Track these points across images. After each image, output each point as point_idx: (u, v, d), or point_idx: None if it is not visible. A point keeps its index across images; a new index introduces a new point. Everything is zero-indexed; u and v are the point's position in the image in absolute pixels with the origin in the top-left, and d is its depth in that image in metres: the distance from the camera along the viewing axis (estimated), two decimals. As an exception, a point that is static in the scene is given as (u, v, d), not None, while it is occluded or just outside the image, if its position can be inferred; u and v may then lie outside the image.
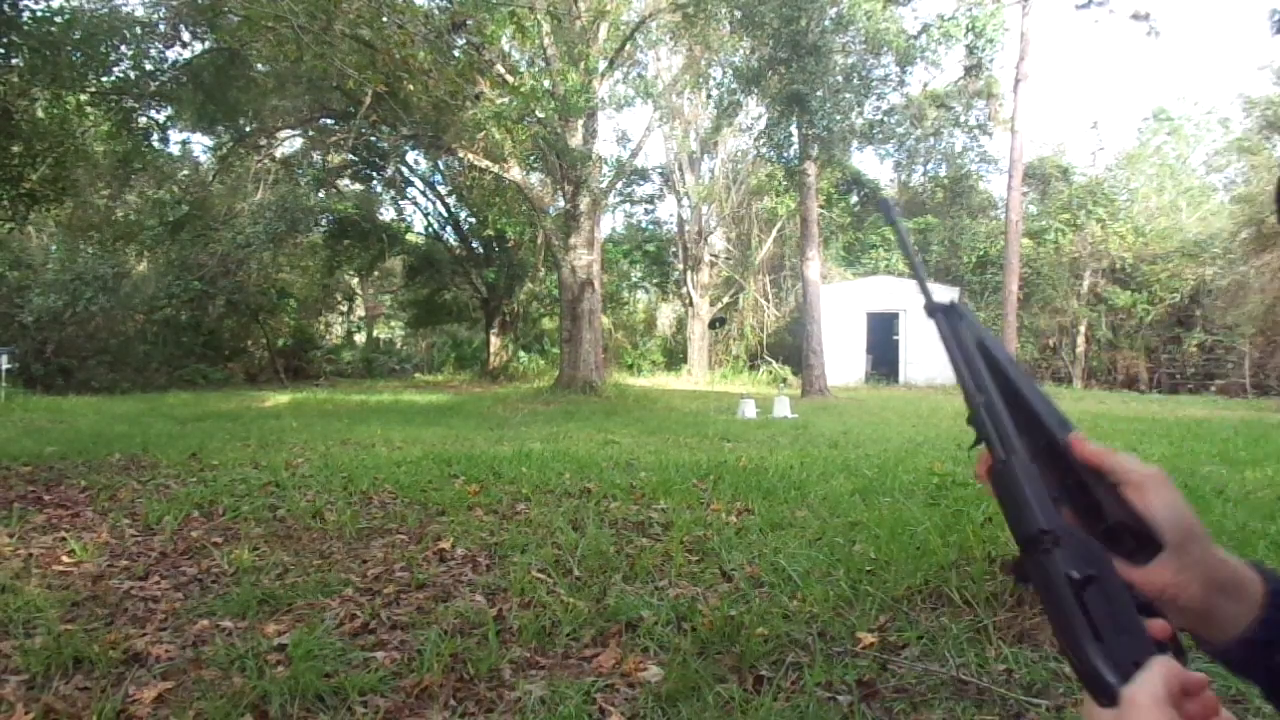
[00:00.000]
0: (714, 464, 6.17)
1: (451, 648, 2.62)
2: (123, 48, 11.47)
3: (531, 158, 17.94)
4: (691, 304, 26.47)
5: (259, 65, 13.12)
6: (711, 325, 24.76)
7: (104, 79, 11.73)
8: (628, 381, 21.20)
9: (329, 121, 18.96)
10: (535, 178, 19.22)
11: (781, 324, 26.82)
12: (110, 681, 2.41)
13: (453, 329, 29.54)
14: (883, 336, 22.34)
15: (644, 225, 29.64)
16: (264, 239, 18.49)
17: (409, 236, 25.93)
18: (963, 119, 24.23)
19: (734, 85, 17.49)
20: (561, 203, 16.88)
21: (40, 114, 11.32)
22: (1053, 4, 42.69)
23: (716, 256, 27.49)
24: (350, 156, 21.80)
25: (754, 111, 21.54)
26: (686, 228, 26.98)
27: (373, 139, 19.13)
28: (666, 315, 30.27)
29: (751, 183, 25.95)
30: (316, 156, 22.04)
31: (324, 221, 22.60)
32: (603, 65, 16.10)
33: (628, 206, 29.22)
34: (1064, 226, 24.62)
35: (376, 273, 27.76)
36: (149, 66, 11.98)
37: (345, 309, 30.07)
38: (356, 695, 2.33)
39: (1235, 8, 59.87)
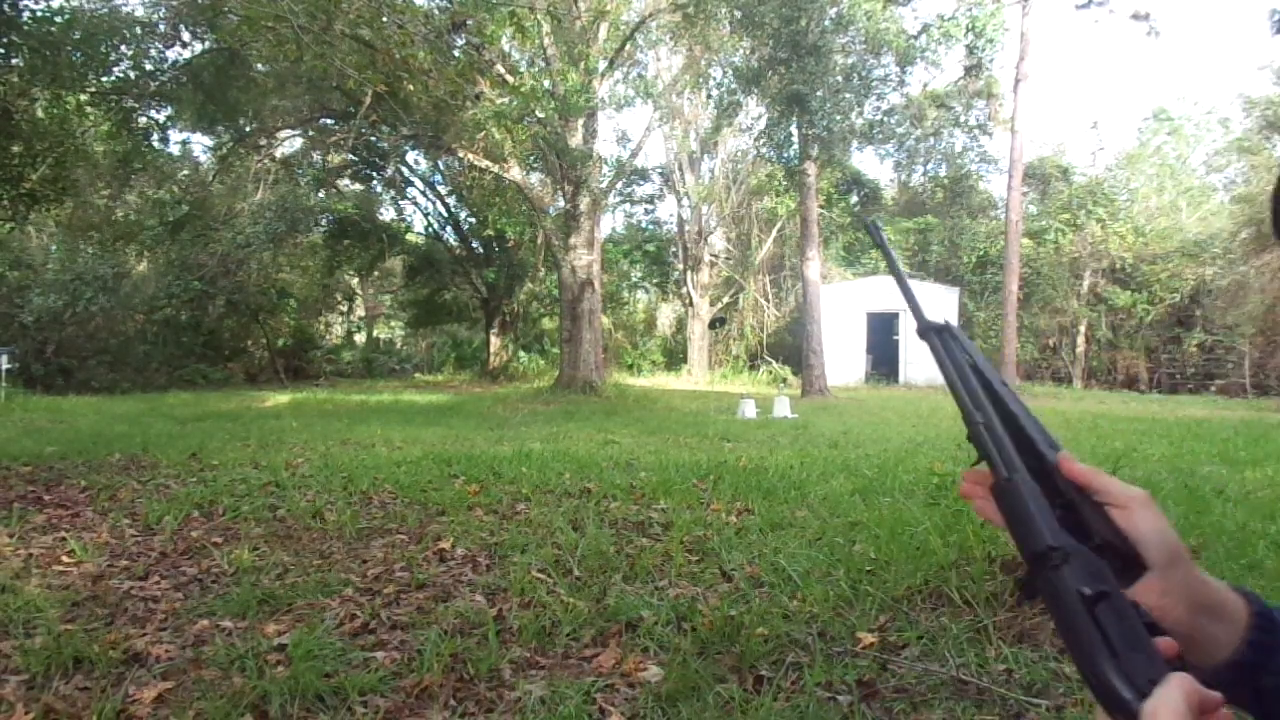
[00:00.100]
0: (714, 464, 6.17)
1: (451, 648, 2.62)
2: (123, 48, 11.46)
3: (531, 158, 17.93)
4: (691, 304, 26.47)
5: (259, 65, 13.11)
6: (711, 325, 24.76)
7: (104, 79, 11.72)
8: (628, 381, 21.20)
9: (329, 121, 18.96)
10: (535, 178, 19.22)
11: (781, 324, 26.82)
12: (110, 681, 2.41)
13: (453, 329, 29.54)
14: (883, 336, 22.34)
15: (644, 225, 29.65)
16: (264, 239, 18.49)
17: (409, 236, 25.92)
18: (963, 119, 24.24)
19: (734, 85, 17.49)
20: (561, 203, 16.87)
21: (40, 114, 11.32)
22: (1053, 4, 42.73)
23: (716, 256, 27.49)
24: (350, 156, 21.80)
25: (754, 111, 21.55)
26: (686, 228, 26.98)
27: (373, 139, 19.12)
28: (666, 315, 30.27)
29: (751, 183, 25.95)
30: (316, 156, 22.03)
31: (324, 221, 22.60)
32: (603, 65, 16.10)
33: (628, 206, 29.24)
34: (1064, 226, 24.62)
35: (376, 273, 27.75)
36: (149, 66, 11.97)
37: (345, 309, 30.06)
38: (356, 695, 2.33)
39: (1235, 8, 59.89)
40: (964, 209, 26.93)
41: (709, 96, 21.48)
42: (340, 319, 30.64)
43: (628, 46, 17.12)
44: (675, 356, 27.83)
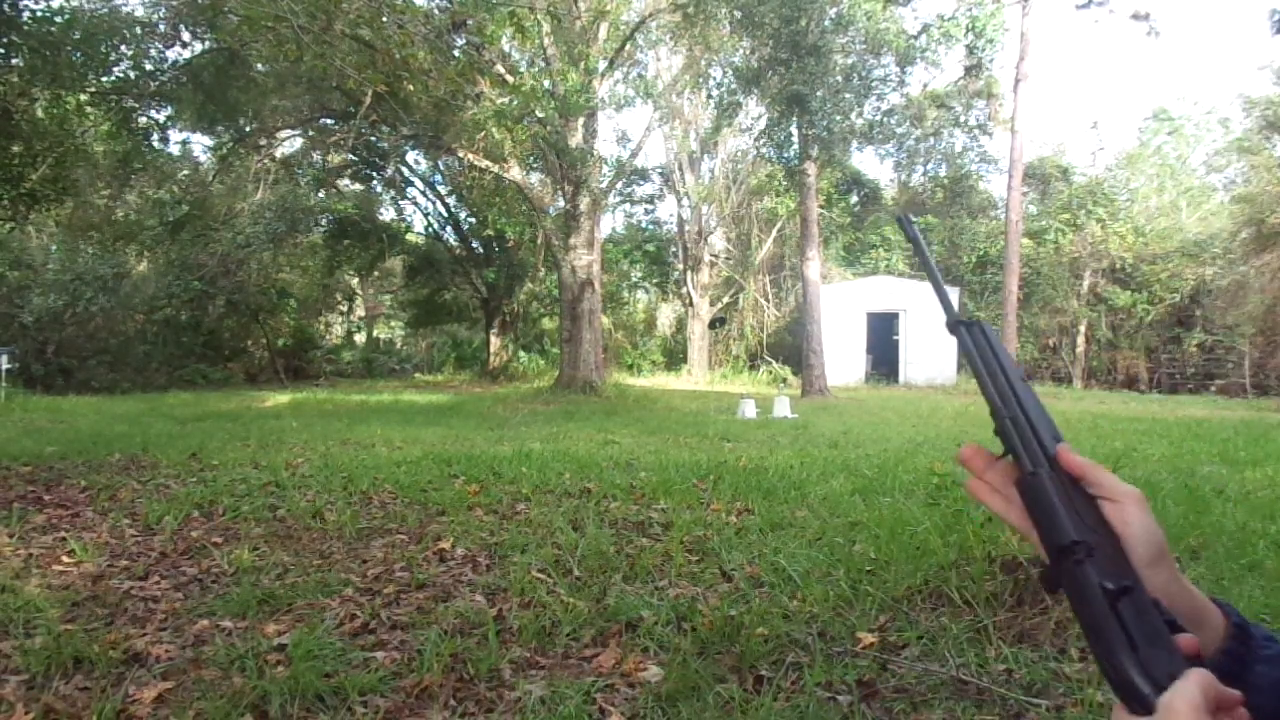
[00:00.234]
0: (714, 464, 6.17)
1: (451, 648, 2.62)
2: (123, 48, 11.45)
3: (531, 158, 17.93)
4: (691, 304, 26.47)
5: (259, 65, 13.09)
6: (711, 325, 24.75)
7: (104, 79, 11.72)
8: (628, 381, 21.20)
9: (329, 121, 18.95)
10: (535, 178, 19.21)
11: (781, 324, 26.82)
12: (110, 681, 2.41)
13: (453, 329, 29.53)
14: (883, 336, 22.33)
15: (644, 225, 29.64)
16: (264, 239, 18.49)
17: (409, 236, 25.92)
18: (963, 119, 24.24)
19: (734, 85, 17.49)
20: (561, 203, 16.87)
21: (40, 114, 11.31)
22: (1053, 4, 42.74)
23: (716, 256, 27.49)
24: (350, 156, 21.79)
25: (754, 111, 21.54)
26: (686, 228, 26.97)
27: (373, 139, 19.12)
28: (666, 315, 30.27)
29: (751, 183, 25.95)
30: (316, 156, 22.03)
31: (324, 221, 22.59)
32: (603, 65, 16.10)
33: (628, 206, 29.24)
34: (1064, 226, 24.62)
35: (376, 273, 27.75)
36: (149, 66, 11.96)
37: (345, 309, 30.07)
38: (356, 695, 2.33)
39: (1235, 8, 59.90)
40: (964, 209, 26.93)
41: (709, 96, 21.47)
42: (340, 319, 30.64)
43: (628, 46, 17.12)
44: (675, 356, 27.82)
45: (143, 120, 13.39)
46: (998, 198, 27.15)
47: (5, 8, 8.44)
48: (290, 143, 21.09)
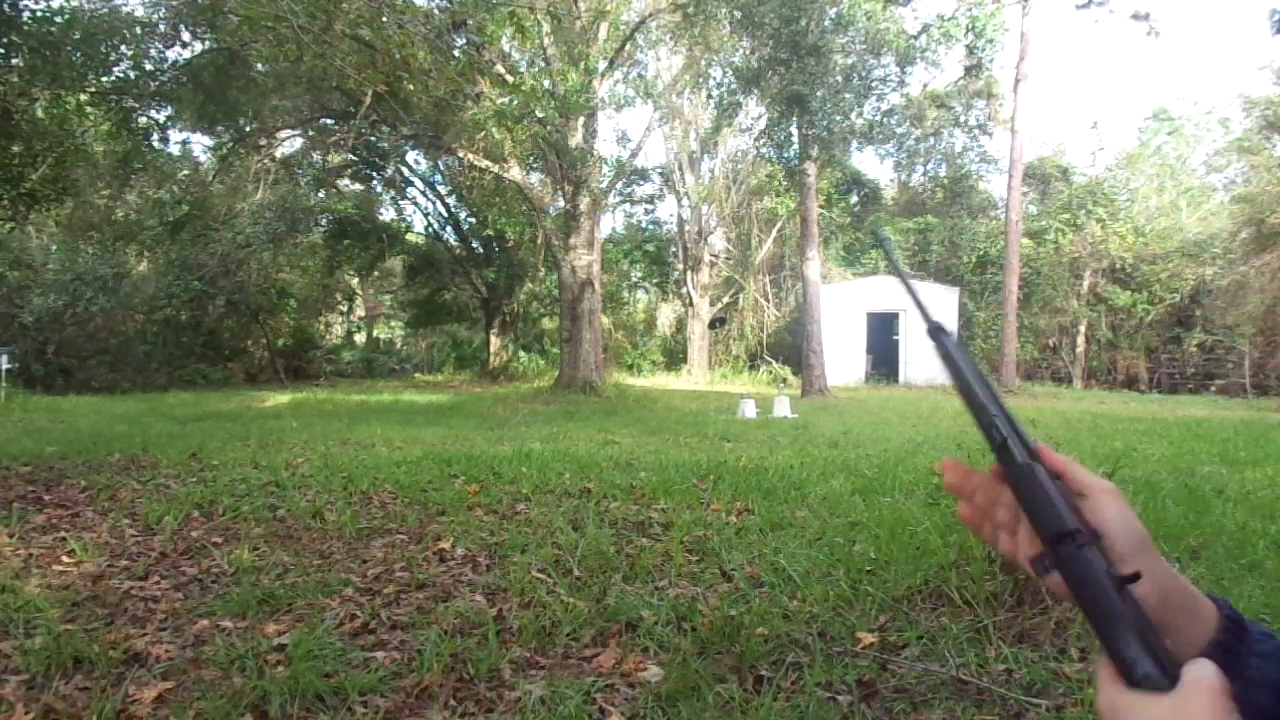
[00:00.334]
0: (714, 464, 6.17)
1: (451, 648, 2.62)
2: (123, 48, 11.44)
3: (531, 158, 17.92)
4: (691, 304, 26.47)
5: (259, 65, 13.09)
6: (711, 325, 24.76)
7: (104, 79, 11.71)
8: (628, 381, 21.20)
9: (329, 121, 18.95)
10: (535, 178, 19.21)
11: (781, 324, 26.81)
12: (110, 681, 2.41)
13: (453, 329, 29.54)
14: (883, 336, 22.33)
15: (644, 225, 29.65)
16: (264, 239, 18.49)
17: (409, 236, 25.92)
18: (963, 119, 24.24)
19: (734, 85, 17.49)
20: (561, 203, 16.87)
21: (40, 114, 11.31)
22: (1053, 4, 42.71)
23: (716, 256, 27.49)
24: (350, 156, 21.80)
25: (754, 111, 21.54)
26: (686, 228, 26.97)
27: (373, 139, 19.12)
28: (666, 315, 30.27)
29: (751, 183, 25.94)
30: (316, 156, 22.02)
31: (324, 221, 22.59)
32: (603, 65, 16.10)
33: (628, 206, 29.24)
34: (1064, 226, 24.62)
35: (376, 273, 27.75)
36: (149, 66, 11.95)
37: (345, 309, 30.07)
38: (356, 695, 2.33)
39: (1235, 8, 59.89)
40: (964, 209, 26.92)
41: (709, 96, 21.46)
42: (340, 319, 30.65)
43: (628, 46, 17.12)
44: (675, 356, 27.82)
45: (143, 120, 13.38)
46: (998, 198, 27.15)
47: (5, 8, 8.44)
48: (290, 143, 21.11)
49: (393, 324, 33.24)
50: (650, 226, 29.56)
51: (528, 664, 2.60)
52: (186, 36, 12.06)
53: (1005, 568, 3.07)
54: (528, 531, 4.07)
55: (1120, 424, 11.00)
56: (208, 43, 12.08)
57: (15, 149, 10.01)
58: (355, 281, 29.21)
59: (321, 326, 28.21)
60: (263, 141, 18.79)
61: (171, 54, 12.27)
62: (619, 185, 23.55)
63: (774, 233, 26.13)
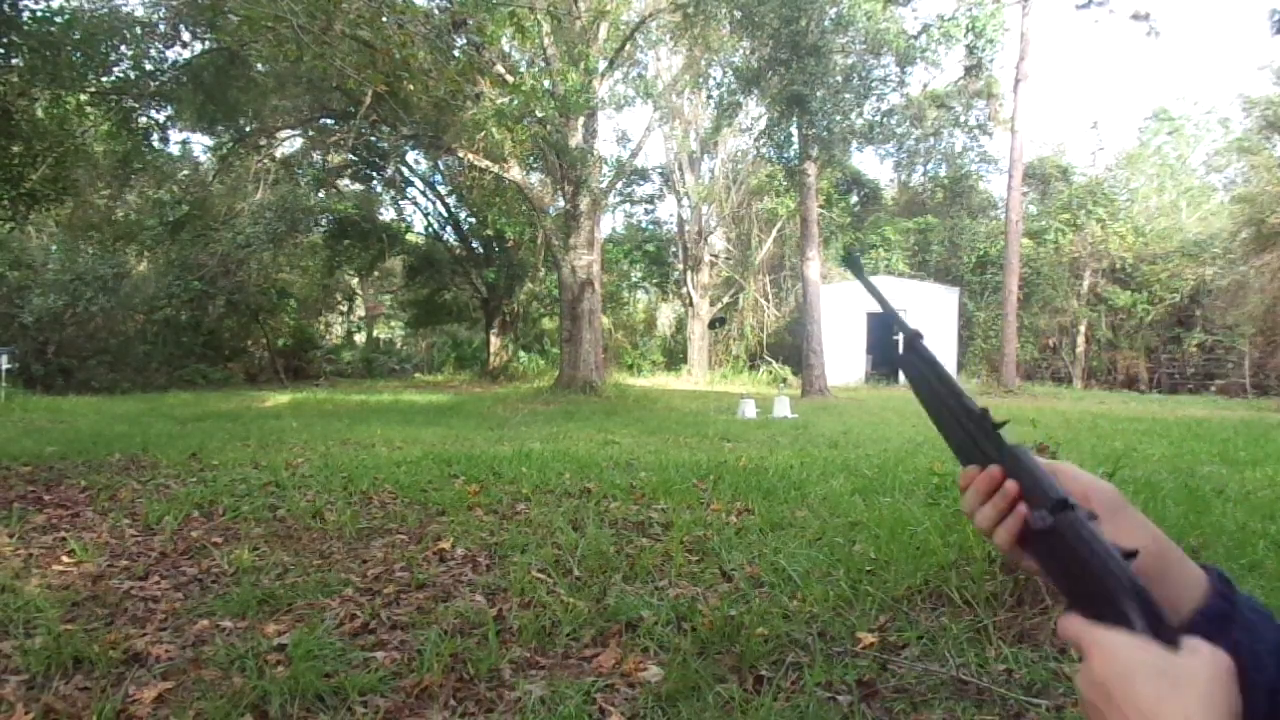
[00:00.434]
0: (714, 464, 6.17)
1: (451, 648, 2.62)
2: (123, 48, 11.44)
3: (531, 158, 17.92)
4: (691, 304, 26.47)
5: (259, 65, 13.10)
6: (711, 325, 24.75)
7: (104, 79, 11.70)
8: (628, 381, 21.20)
9: (329, 121, 18.95)
10: (535, 178, 19.21)
11: (781, 324, 26.82)
12: (110, 681, 2.41)
13: (453, 329, 29.54)
14: (883, 336, 22.33)
15: (644, 225, 29.65)
16: (264, 239, 18.48)
17: (409, 236, 25.92)
18: (963, 119, 24.24)
19: (734, 85, 17.49)
20: (561, 203, 16.87)
21: (40, 114, 11.30)
22: (1053, 4, 42.72)
23: (716, 256, 27.49)
24: (350, 156, 21.79)
25: (754, 112, 21.54)
26: (686, 228, 26.97)
27: (373, 139, 19.12)
28: (666, 315, 30.27)
29: (751, 183, 25.94)
30: (316, 156, 22.02)
31: (324, 221, 22.58)
32: (603, 65, 16.10)
33: (628, 206, 29.24)
34: (1064, 226, 24.62)
35: (376, 273, 27.75)
36: (149, 66, 11.95)
37: (345, 309, 30.06)
38: (356, 695, 2.33)
39: (1235, 8, 59.89)
40: (964, 209, 26.92)
41: (709, 96, 21.47)
42: (340, 319, 30.64)
43: (628, 46, 17.12)
44: (675, 356, 27.83)
45: (143, 120, 13.38)
46: (998, 198, 27.16)
47: (5, 8, 8.43)
48: (290, 143, 21.10)
49: (393, 324, 33.25)
50: (650, 226, 29.58)
51: (528, 664, 2.60)
52: (186, 36, 12.06)
53: (1005, 568, 3.07)
54: (528, 531, 4.07)
55: (1120, 424, 11.00)
56: (208, 43, 12.08)
57: (15, 149, 10.00)
58: (355, 281, 29.21)
59: (321, 326, 28.21)
60: (263, 141, 18.79)
61: (171, 54, 12.28)
62: (619, 185, 23.56)
63: (774, 233, 26.12)
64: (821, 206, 21.73)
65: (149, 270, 19.79)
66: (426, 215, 25.44)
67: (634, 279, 30.14)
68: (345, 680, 2.39)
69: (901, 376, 21.51)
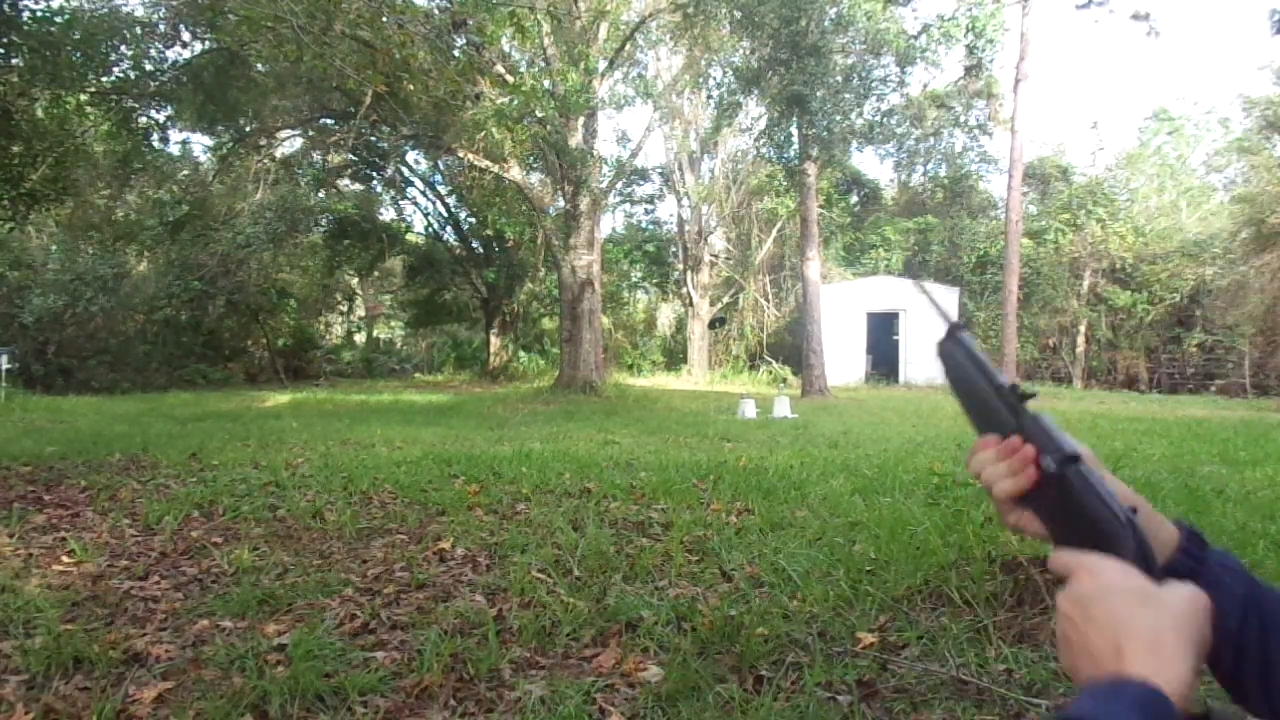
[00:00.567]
0: (714, 464, 6.17)
1: (451, 648, 2.62)
2: (123, 48, 11.43)
3: (531, 158, 17.92)
4: (691, 304, 26.47)
5: (259, 65, 13.09)
6: (711, 325, 24.74)
7: (104, 79, 11.70)
8: (628, 381, 21.20)
9: (329, 121, 18.95)
10: (535, 178, 19.21)
11: (781, 324, 26.81)
12: (110, 681, 2.41)
13: (453, 329, 29.54)
14: (883, 336, 22.33)
15: (644, 225, 29.65)
16: (264, 239, 18.48)
17: (409, 236, 25.92)
18: (963, 119, 24.22)
19: (734, 85, 17.48)
20: (561, 203, 16.87)
21: (40, 114, 11.30)
22: (1053, 4, 42.71)
23: (716, 256, 27.49)
24: (350, 156, 21.79)
25: (754, 112, 21.53)
26: (686, 228, 26.97)
27: (373, 139, 19.12)
28: (666, 315, 30.27)
29: (751, 183, 25.94)
30: (316, 156, 22.02)
31: (324, 221, 22.59)
32: (603, 65, 16.10)
33: (628, 206, 29.24)
34: (1064, 226, 24.62)
35: (376, 273, 27.75)
36: (149, 66, 11.94)
37: (345, 309, 30.06)
38: (356, 695, 2.33)
39: (1235, 8, 59.89)
40: (964, 209, 26.92)
41: (709, 96, 21.47)
42: (340, 319, 30.65)
43: (628, 46, 17.12)
44: (675, 356, 27.82)
45: (143, 120, 13.37)
46: (998, 198, 27.16)
47: (5, 8, 8.43)
48: (290, 143, 21.10)
49: (393, 324, 33.25)
50: (650, 226, 29.57)
51: (528, 664, 2.60)
52: (186, 36, 12.06)
53: (1005, 568, 3.07)
54: (528, 531, 4.07)
55: (1120, 424, 10.99)
56: (208, 43, 12.08)
57: (15, 149, 10.00)
58: (355, 281, 29.21)
59: (321, 326, 28.21)
60: (263, 141, 18.78)
61: (171, 54, 12.27)
62: (619, 185, 23.56)
63: (774, 233, 26.12)
64: (821, 206, 21.73)
65: (149, 270, 19.79)
66: (426, 215, 25.47)
67: (634, 279, 30.14)
68: (345, 680, 2.39)
69: (902, 376, 21.55)
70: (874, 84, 16.97)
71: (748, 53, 16.96)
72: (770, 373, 22.97)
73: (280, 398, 15.28)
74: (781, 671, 2.50)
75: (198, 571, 3.49)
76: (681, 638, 2.72)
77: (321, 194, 22.05)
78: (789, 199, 23.08)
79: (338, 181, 23.48)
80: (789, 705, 2.29)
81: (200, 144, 21.08)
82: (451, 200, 24.43)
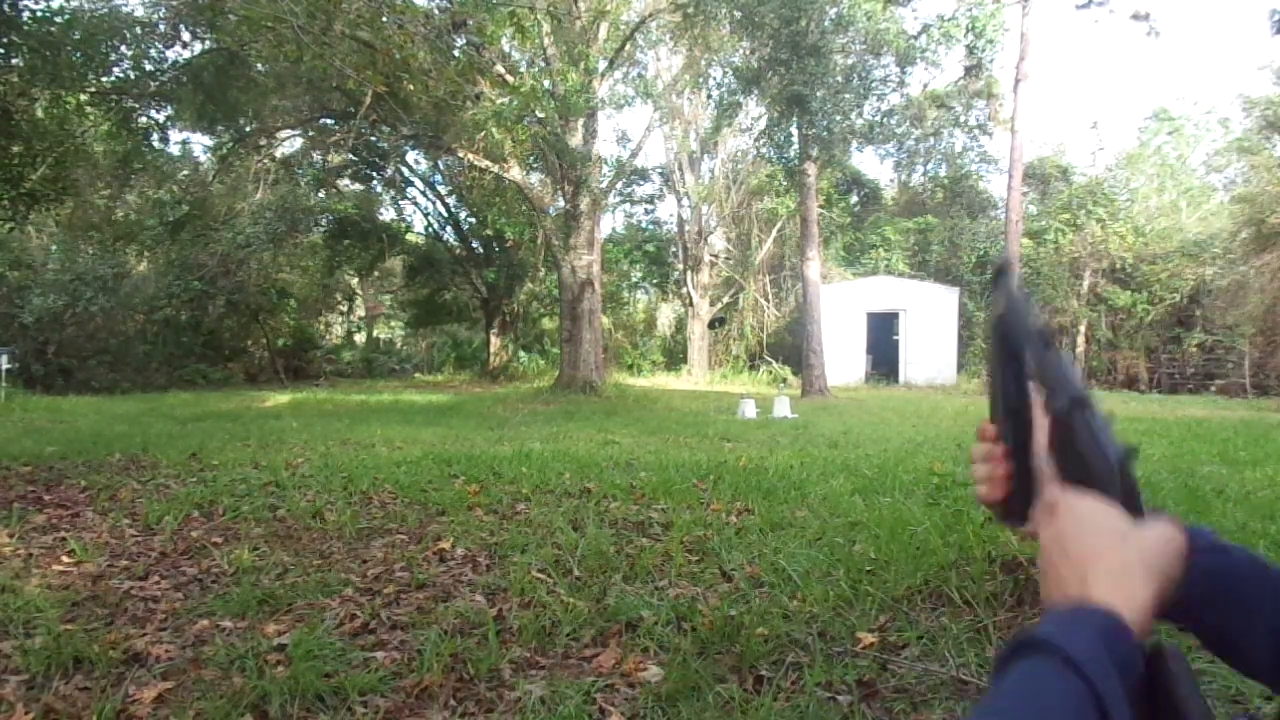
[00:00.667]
0: (714, 464, 6.17)
1: (451, 648, 2.62)
2: (123, 48, 11.43)
3: (531, 158, 17.92)
4: (691, 304, 26.47)
5: (259, 65, 13.09)
6: (711, 325, 24.74)
7: (104, 79, 11.70)
8: (628, 381, 21.20)
9: (329, 121, 18.95)
10: (535, 178, 19.21)
11: (781, 324, 26.81)
12: (110, 681, 2.41)
13: (453, 329, 29.54)
14: (883, 336, 22.34)
15: (644, 225, 29.64)
16: (264, 239, 18.49)
17: (409, 236, 25.92)
18: (963, 119, 24.19)
19: (734, 85, 17.48)
20: (561, 203, 16.87)
21: (40, 114, 11.29)
22: (1053, 4, 42.65)
23: (716, 256, 27.49)
24: (350, 156, 21.79)
25: (754, 112, 21.53)
26: (686, 228, 26.97)
27: (373, 139, 19.12)
28: (666, 315, 30.26)
29: (751, 183, 25.94)
30: (316, 156, 22.02)
31: (324, 221, 22.59)
32: (603, 65, 16.10)
33: (628, 206, 29.23)
34: (1064, 226, 24.62)
35: (376, 273, 27.75)
36: (149, 66, 11.94)
37: (345, 309, 30.06)
38: (356, 695, 2.33)
39: (1235, 8, 59.89)
40: (964, 209, 26.91)
41: (709, 96, 21.47)
42: (340, 319, 30.64)
43: (628, 46, 17.11)
44: (675, 356, 27.82)
45: (143, 120, 13.37)
46: (998, 198, 27.14)
47: (5, 8, 8.43)
48: (290, 143, 21.10)
49: (393, 324, 33.25)
50: (650, 226, 29.57)
51: (528, 664, 2.60)
52: (186, 36, 12.05)
53: (1005, 568, 3.07)
54: (528, 531, 4.07)
55: (1120, 424, 10.85)
56: (208, 43, 12.07)
57: (15, 149, 10.00)
58: (355, 281, 29.21)
59: (321, 326, 28.21)
60: (263, 141, 18.78)
61: (171, 54, 12.27)
62: (619, 185, 23.56)
63: (774, 233, 26.12)
64: (821, 206, 21.73)
65: (149, 270, 19.79)
66: (426, 215, 25.47)
67: (634, 279, 30.13)
68: (345, 680, 2.39)
69: (902, 376, 21.53)
70: (874, 84, 16.96)
71: (748, 53, 16.96)
72: (770, 373, 22.97)
73: (280, 398, 15.28)
74: (781, 671, 2.50)
75: (198, 571, 3.49)
76: (681, 638, 2.72)
77: (321, 194, 22.06)
78: (789, 199, 23.08)
79: (338, 181, 23.48)
80: (789, 705, 2.29)
81: (200, 144, 21.10)
82: (451, 200, 24.43)
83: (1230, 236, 22.35)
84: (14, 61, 9.32)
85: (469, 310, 27.05)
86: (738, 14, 15.38)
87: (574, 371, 16.38)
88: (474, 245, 24.77)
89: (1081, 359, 24.80)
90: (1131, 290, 23.93)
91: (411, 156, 21.35)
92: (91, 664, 2.50)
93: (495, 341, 24.79)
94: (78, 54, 10.26)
